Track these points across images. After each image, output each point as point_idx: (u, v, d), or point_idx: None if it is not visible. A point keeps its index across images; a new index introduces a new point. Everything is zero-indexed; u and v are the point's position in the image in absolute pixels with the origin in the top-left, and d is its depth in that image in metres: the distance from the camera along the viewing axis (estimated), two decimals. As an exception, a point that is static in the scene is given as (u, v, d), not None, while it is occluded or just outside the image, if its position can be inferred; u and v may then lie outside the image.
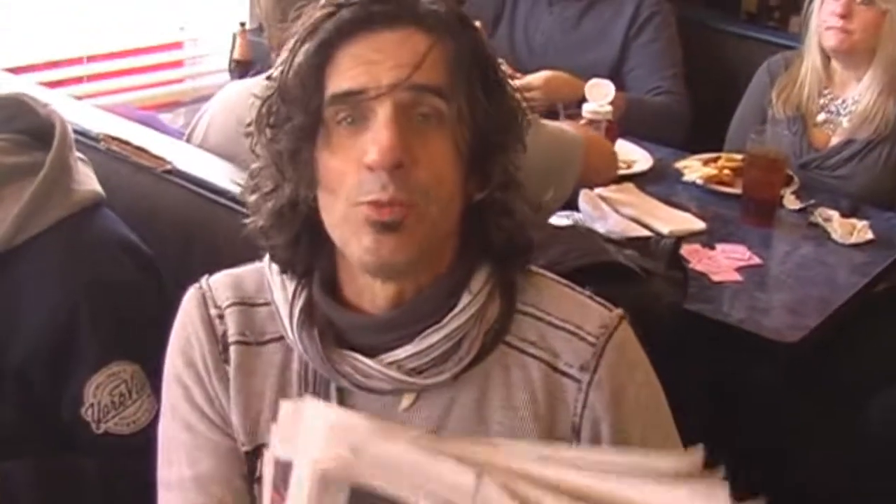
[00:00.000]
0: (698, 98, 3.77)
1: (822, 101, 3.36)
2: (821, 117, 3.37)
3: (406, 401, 1.43)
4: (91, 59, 3.80)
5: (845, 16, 3.19)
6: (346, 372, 1.41)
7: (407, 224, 1.33)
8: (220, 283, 1.54)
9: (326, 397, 1.44)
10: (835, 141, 3.32)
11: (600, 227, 2.50)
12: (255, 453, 1.48)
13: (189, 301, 1.54)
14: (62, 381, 1.83)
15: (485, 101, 1.38)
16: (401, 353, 1.40)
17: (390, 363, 1.40)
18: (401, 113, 1.32)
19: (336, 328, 1.44)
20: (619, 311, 1.49)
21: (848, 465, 2.88)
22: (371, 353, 1.41)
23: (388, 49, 1.34)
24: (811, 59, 3.34)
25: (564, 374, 1.43)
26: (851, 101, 3.30)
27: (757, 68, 3.58)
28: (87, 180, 1.97)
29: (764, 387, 2.76)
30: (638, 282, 1.88)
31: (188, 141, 2.58)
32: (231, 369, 1.49)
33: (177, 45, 4.12)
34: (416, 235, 1.34)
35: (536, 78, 3.51)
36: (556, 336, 1.44)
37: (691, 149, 3.38)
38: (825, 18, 3.24)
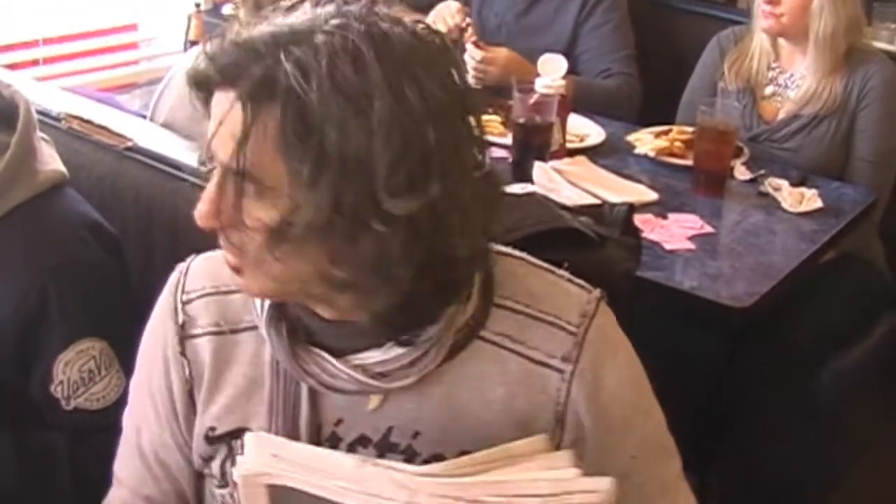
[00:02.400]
0: (650, 74, 3.80)
1: (770, 74, 3.39)
2: (769, 90, 3.40)
3: (373, 402, 1.43)
4: (46, 41, 3.79)
5: (772, 1, 3.23)
6: (312, 371, 1.40)
7: (244, 272, 1.34)
8: (198, 269, 1.54)
9: (297, 392, 1.44)
10: (783, 114, 3.36)
11: (554, 199, 2.54)
12: (230, 436, 1.49)
13: (168, 285, 1.54)
14: (31, 360, 1.84)
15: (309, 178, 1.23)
16: (368, 356, 1.39)
17: (356, 365, 1.39)
18: (225, 178, 1.27)
19: (305, 326, 1.42)
20: (596, 292, 1.47)
21: (798, 430, 2.92)
22: (339, 353, 1.40)
23: (220, 115, 1.26)
24: (759, 36, 3.38)
25: (546, 365, 1.41)
26: (799, 76, 3.33)
27: (706, 44, 3.60)
28: (51, 161, 1.97)
29: (715, 353, 2.81)
30: (593, 247, 1.90)
31: (151, 120, 2.60)
32: (190, 363, 1.50)
33: (131, 27, 4.12)
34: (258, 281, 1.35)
35: (498, 56, 3.56)
36: (535, 327, 1.42)
37: (643, 123, 3.42)
38: (757, 2, 3.30)
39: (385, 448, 1.42)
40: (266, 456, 1.37)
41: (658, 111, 3.56)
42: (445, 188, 1.25)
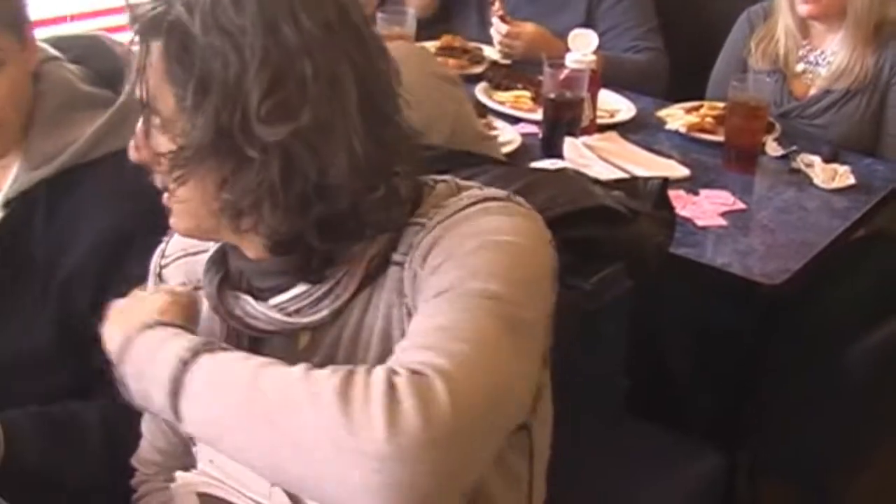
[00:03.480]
0: (678, 48, 3.78)
1: (800, 52, 3.37)
2: (799, 67, 3.38)
3: (303, 340, 1.47)
4: (75, 17, 3.78)
5: None
6: (237, 314, 1.48)
7: (172, 209, 1.46)
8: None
9: (238, 344, 1.49)
10: (814, 91, 3.34)
11: (589, 171, 2.55)
12: None
13: (156, 250, 1.68)
14: (103, 296, 1.83)
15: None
16: (285, 296, 1.44)
17: (274, 305, 1.45)
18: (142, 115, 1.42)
19: (242, 273, 1.50)
20: (493, 192, 1.44)
21: (828, 408, 2.91)
22: (266, 296, 1.46)
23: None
24: (784, 20, 3.36)
25: (399, 264, 1.41)
26: (830, 53, 3.31)
27: (736, 18, 3.58)
28: None
29: (745, 331, 2.80)
30: (626, 223, 1.90)
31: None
32: None
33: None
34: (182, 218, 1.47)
35: (524, 31, 3.55)
36: (410, 232, 1.41)
37: (673, 98, 3.40)
38: None
39: None
40: (205, 461, 1.51)
41: (687, 85, 3.54)
42: (318, 119, 1.32)
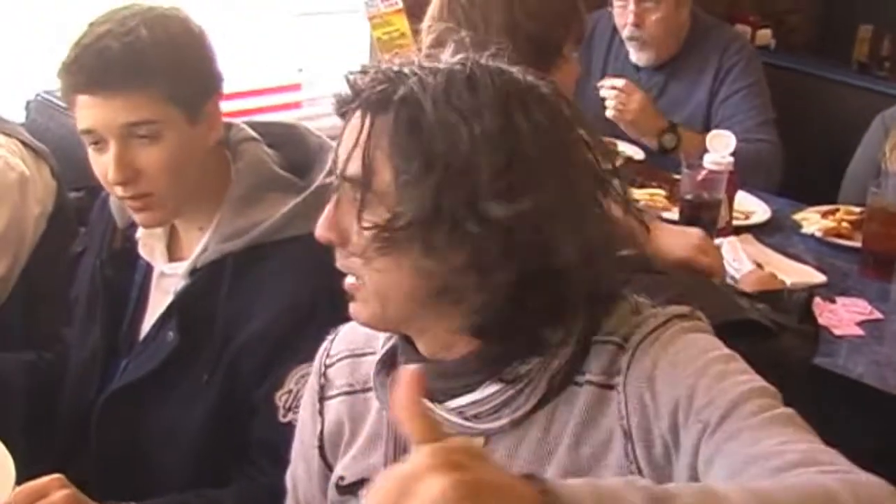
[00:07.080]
0: (809, 147, 3.78)
1: (937, 153, 3.34)
2: (935, 169, 3.34)
3: (477, 444, 1.44)
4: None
5: None
6: None
7: (357, 295, 1.46)
8: (343, 334, 1.67)
9: (407, 445, 1.48)
10: (950, 194, 3.30)
11: (737, 274, 2.57)
12: (355, 486, 1.57)
13: (320, 349, 1.69)
14: (271, 367, 1.92)
15: None
16: (464, 399, 1.44)
17: (453, 409, 1.44)
18: (342, 189, 1.43)
19: None
20: (676, 309, 1.45)
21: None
22: (442, 399, 1.45)
23: (345, 131, 1.44)
24: None
25: (603, 386, 1.40)
26: (967, 154, 3.28)
27: (867, 117, 3.57)
28: None
29: (876, 442, 2.74)
30: (769, 336, 1.88)
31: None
32: (324, 422, 1.63)
33: (295, 87, 4.16)
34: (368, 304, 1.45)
35: (634, 98, 3.61)
36: (603, 351, 1.41)
37: (804, 199, 3.39)
38: None
39: None
40: None
41: (818, 185, 3.53)
42: (546, 203, 1.35)
